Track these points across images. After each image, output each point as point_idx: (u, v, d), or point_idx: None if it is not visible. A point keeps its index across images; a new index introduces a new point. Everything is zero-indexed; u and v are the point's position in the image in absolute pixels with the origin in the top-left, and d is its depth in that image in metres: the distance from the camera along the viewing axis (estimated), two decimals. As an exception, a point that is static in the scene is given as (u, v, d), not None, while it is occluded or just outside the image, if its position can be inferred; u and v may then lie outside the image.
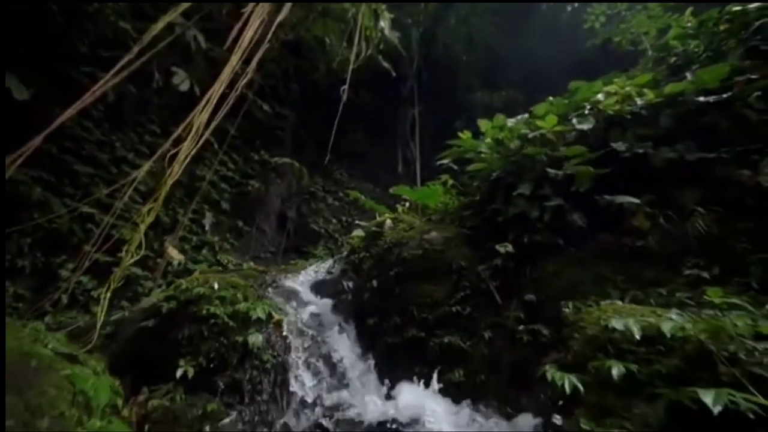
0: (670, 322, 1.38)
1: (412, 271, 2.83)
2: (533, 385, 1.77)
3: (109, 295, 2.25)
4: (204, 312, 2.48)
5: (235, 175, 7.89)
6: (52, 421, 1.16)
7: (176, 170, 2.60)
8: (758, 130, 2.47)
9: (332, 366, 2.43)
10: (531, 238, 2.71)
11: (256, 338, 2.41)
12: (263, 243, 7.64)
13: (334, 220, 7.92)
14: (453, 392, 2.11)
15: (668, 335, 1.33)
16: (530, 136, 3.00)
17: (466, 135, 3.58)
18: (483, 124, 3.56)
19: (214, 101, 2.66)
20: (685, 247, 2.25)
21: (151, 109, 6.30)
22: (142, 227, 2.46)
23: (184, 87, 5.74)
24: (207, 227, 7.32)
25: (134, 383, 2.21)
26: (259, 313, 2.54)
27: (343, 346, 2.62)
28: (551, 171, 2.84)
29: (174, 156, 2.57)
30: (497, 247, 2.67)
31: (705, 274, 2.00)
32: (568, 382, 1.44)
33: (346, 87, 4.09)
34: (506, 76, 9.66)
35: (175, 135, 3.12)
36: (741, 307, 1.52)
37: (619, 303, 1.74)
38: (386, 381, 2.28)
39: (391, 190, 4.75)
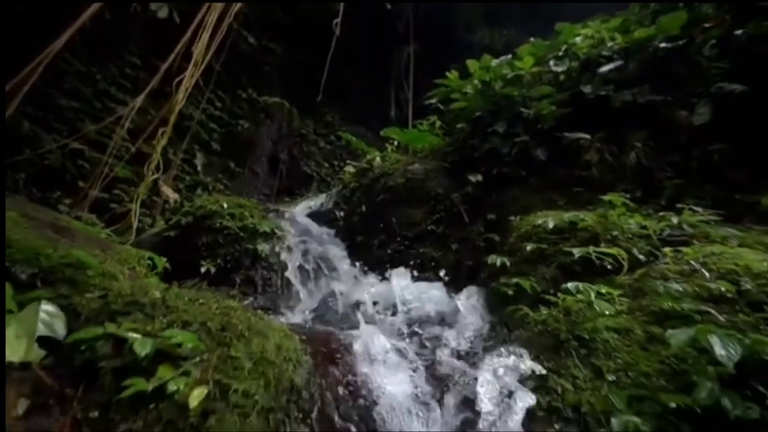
0: (574, 215, 1.98)
1: (396, 198, 3.38)
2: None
3: (138, 204, 2.74)
4: (218, 224, 3.03)
5: (223, 115, 7.98)
6: (130, 271, 1.72)
7: (181, 97, 2.92)
8: (706, 75, 2.89)
9: (327, 268, 3.09)
10: (499, 170, 3.24)
11: (263, 246, 3.00)
12: (256, 185, 8.05)
13: (326, 164, 8.27)
14: (427, 289, 2.80)
15: (568, 223, 1.93)
16: (509, 76, 3.35)
17: (453, 75, 3.87)
18: (471, 64, 3.83)
19: (211, 26, 2.86)
20: (620, 176, 2.81)
21: (129, 39, 6.16)
22: (158, 148, 2.86)
23: (163, 14, 5.60)
24: (199, 167, 7.63)
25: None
26: (265, 227, 3.10)
27: (337, 257, 3.27)
28: (524, 110, 3.26)
29: (179, 83, 2.86)
30: (469, 176, 3.20)
31: (628, 196, 2.59)
32: (500, 260, 2.08)
33: (338, 20, 4.18)
34: (508, 13, 9.33)
35: (167, 63, 3.32)
36: (634, 210, 2.12)
37: (550, 211, 2.33)
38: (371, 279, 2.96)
39: (382, 132, 5.10)
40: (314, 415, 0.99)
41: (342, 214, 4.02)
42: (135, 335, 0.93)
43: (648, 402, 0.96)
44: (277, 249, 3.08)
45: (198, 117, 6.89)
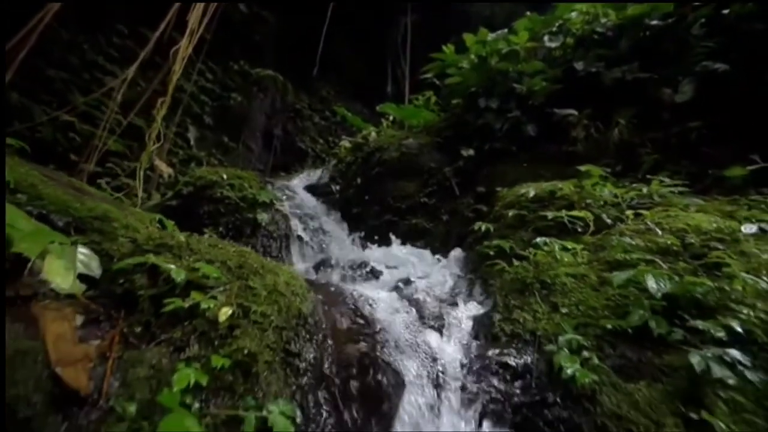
0: (552, 185, 2.19)
1: (391, 171, 3.55)
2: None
3: (141, 173, 2.88)
4: (218, 194, 3.19)
5: (215, 87, 7.90)
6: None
7: (178, 67, 2.99)
8: (693, 54, 3.03)
9: (325, 237, 3.30)
10: (491, 146, 3.40)
11: (263, 216, 3.19)
12: (250, 160, 8.10)
13: (321, 140, 8.32)
14: (416, 254, 3.03)
15: (548, 192, 2.14)
16: (504, 51, 3.44)
17: (449, 49, 3.94)
18: (468, 38, 3.90)
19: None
20: (604, 152, 3.01)
21: (116, 6, 6.01)
22: (158, 118, 2.96)
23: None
24: (192, 141, 7.64)
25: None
26: (264, 197, 3.27)
27: (332, 227, 3.47)
28: (517, 86, 3.39)
29: (176, 53, 2.92)
30: (462, 151, 3.37)
31: (609, 170, 2.79)
32: (485, 226, 2.29)
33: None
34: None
35: (158, 32, 3.34)
36: (609, 180, 2.33)
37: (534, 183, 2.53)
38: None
39: (378, 108, 5.17)
40: (319, 336, 1.22)
41: (338, 187, 4.19)
42: (170, 265, 1.13)
43: (591, 327, 1.20)
44: (276, 218, 3.26)
45: (190, 89, 6.84)
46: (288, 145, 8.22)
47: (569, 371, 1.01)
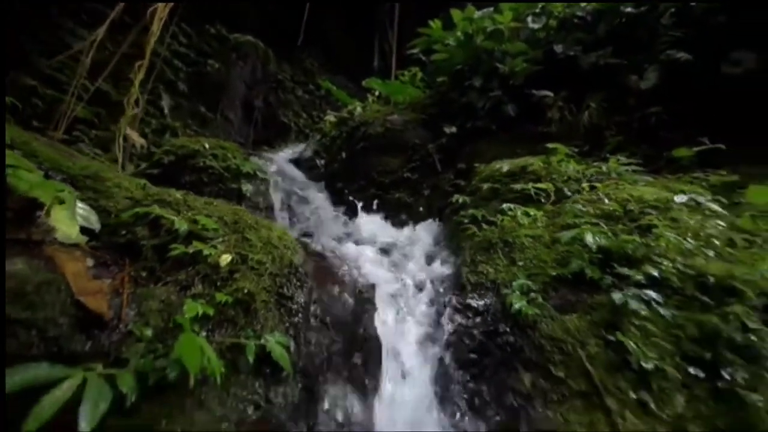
0: (524, 161, 2.42)
1: (376, 146, 3.68)
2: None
3: (121, 138, 2.87)
4: (201, 164, 3.23)
5: (189, 52, 7.56)
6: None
7: (156, 28, 2.92)
8: (660, 42, 3.27)
9: (309, 210, 3.44)
10: (473, 124, 3.59)
11: (247, 187, 3.27)
12: (230, 132, 7.93)
13: (305, 115, 8.22)
14: (397, 225, 3.24)
15: (519, 168, 2.37)
16: (489, 29, 3.57)
17: (436, 24, 4.01)
18: (455, 14, 3.97)
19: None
20: (575, 133, 3.26)
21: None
22: (136, 82, 2.92)
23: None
24: (166, 110, 7.37)
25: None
26: (248, 168, 3.34)
27: (318, 200, 3.61)
28: (500, 66, 3.55)
29: (153, 12, 2.85)
30: (445, 128, 3.54)
31: (577, 150, 3.05)
32: (462, 199, 2.51)
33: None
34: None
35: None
36: (574, 158, 2.58)
37: (510, 159, 2.75)
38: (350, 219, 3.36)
39: (364, 83, 5.20)
40: (309, 283, 1.41)
41: (323, 161, 4.29)
42: (173, 217, 1.26)
43: (540, 275, 1.45)
44: (261, 189, 3.36)
45: (163, 53, 6.53)
46: (270, 118, 8.08)
47: (517, 306, 1.25)
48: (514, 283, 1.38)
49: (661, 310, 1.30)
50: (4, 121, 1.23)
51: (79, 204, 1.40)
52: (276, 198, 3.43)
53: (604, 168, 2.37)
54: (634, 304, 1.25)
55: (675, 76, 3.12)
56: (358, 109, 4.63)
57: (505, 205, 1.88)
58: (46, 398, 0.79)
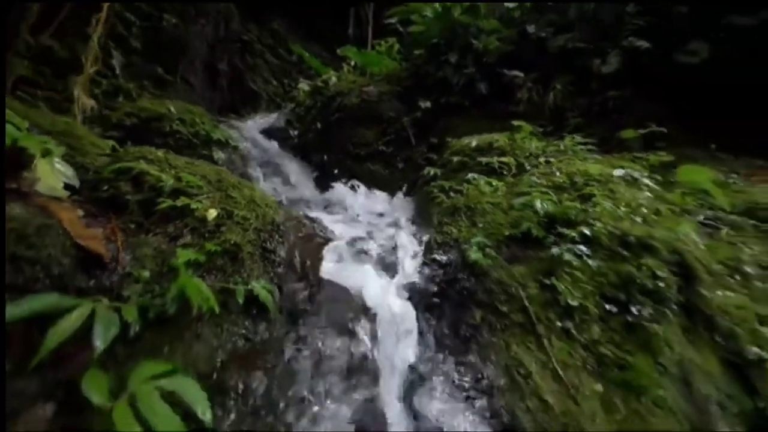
0: (491, 137, 2.67)
1: (351, 117, 3.78)
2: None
3: (79, 98, 2.75)
4: (167, 128, 3.18)
5: (141, 4, 7.00)
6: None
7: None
8: (625, 29, 3.57)
9: (284, 180, 3.53)
10: (447, 100, 3.78)
11: (219, 155, 3.28)
12: (192, 97, 7.51)
13: (275, 82, 7.96)
14: (372, 197, 3.43)
15: (487, 143, 2.62)
16: (466, 4, 3.69)
17: (414, -6, 4.06)
18: (433, -16, 4.03)
19: None
20: (541, 113, 3.56)
21: None
22: (95, 37, 2.78)
23: None
24: (118, 70, 6.87)
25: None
26: (219, 135, 3.34)
27: (291, 170, 3.69)
28: (475, 42, 3.71)
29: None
30: (420, 103, 3.70)
31: (542, 129, 3.36)
32: (433, 171, 2.74)
33: None
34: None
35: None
36: (536, 136, 2.87)
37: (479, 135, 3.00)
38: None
39: (339, 51, 5.17)
40: (289, 239, 1.58)
41: (296, 132, 4.32)
42: (157, 172, 1.36)
43: (496, 235, 1.72)
44: (233, 158, 3.38)
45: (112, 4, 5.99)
46: (237, 84, 7.74)
47: (473, 258, 1.51)
48: (472, 240, 1.64)
49: (589, 261, 1.61)
50: (4, 117, 1.25)
51: (56, 159, 1.45)
52: (250, 168, 3.48)
53: (561, 146, 2.67)
54: (567, 256, 1.56)
55: (635, 63, 3.45)
56: (333, 78, 4.65)
57: (470, 175, 2.13)
58: (60, 322, 0.93)
